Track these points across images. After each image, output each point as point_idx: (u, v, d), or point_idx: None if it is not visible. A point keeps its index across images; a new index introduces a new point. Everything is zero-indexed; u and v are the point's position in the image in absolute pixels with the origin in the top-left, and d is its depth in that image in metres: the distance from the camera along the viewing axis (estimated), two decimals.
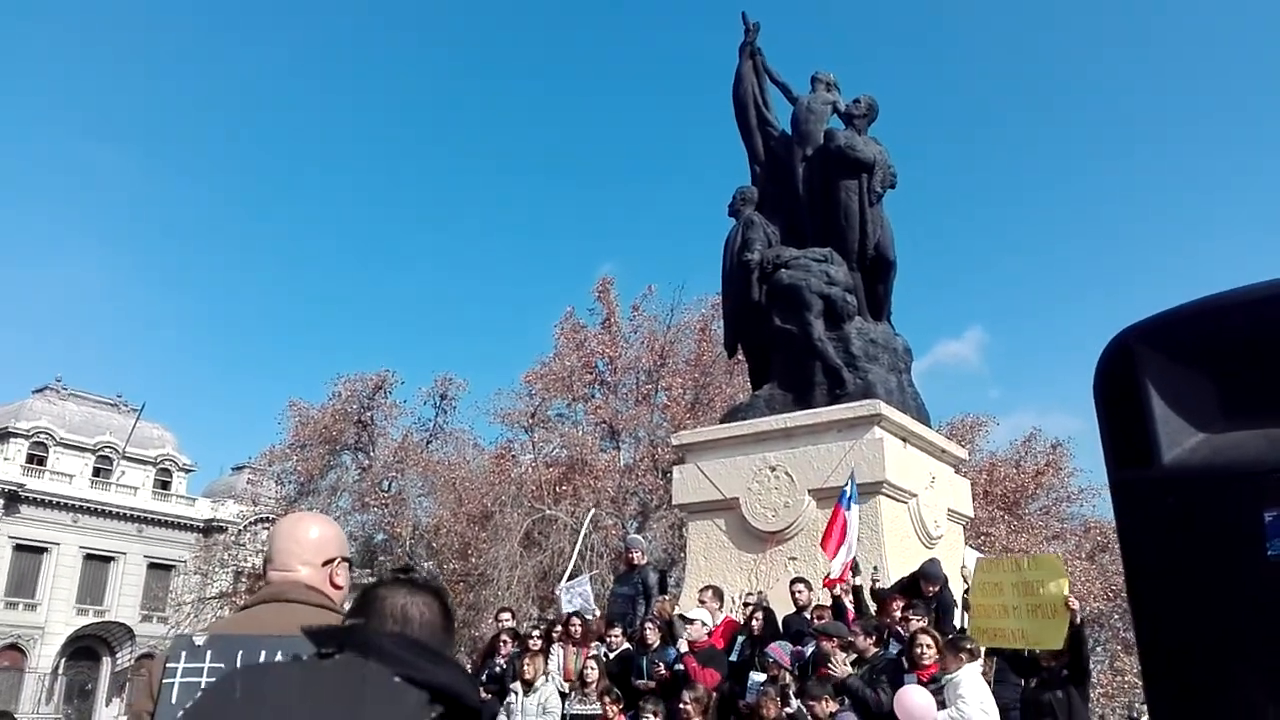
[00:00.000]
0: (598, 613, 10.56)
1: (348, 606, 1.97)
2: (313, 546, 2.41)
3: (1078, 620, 6.55)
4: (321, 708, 1.16)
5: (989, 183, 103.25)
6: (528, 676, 8.81)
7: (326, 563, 2.41)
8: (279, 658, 2.19)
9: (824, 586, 8.85)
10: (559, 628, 9.68)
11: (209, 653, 2.23)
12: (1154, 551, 1.34)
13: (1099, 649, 26.87)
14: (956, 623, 8.34)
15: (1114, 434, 1.40)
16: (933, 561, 9.07)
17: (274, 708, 1.16)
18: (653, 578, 10.43)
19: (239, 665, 2.20)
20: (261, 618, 2.30)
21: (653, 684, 8.41)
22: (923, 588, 8.54)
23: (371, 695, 1.19)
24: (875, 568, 9.31)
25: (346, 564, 2.52)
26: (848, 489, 9.28)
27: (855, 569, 8.97)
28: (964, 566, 8.76)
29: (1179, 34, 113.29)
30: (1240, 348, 1.30)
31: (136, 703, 2.29)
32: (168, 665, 2.22)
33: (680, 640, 8.54)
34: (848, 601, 8.61)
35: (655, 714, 7.75)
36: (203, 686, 2.19)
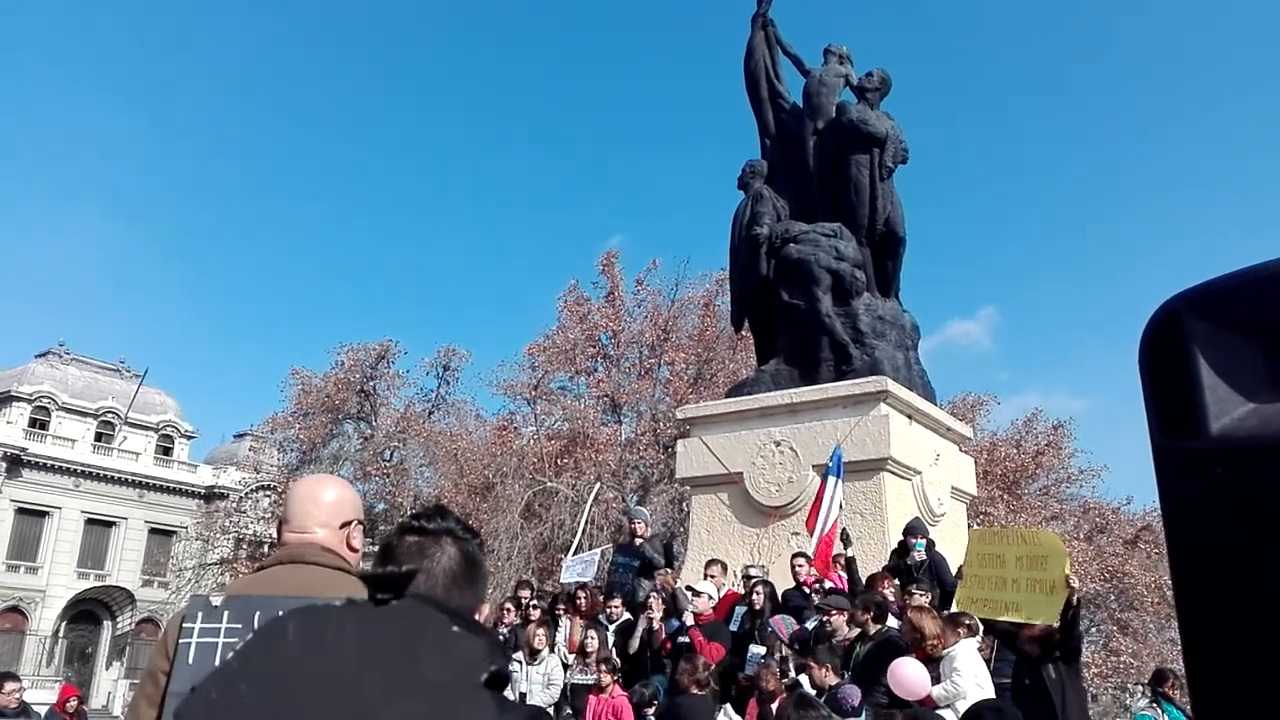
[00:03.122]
0: None
1: (363, 568, 1.95)
2: (330, 508, 2.40)
3: (1074, 600, 6.57)
4: (378, 652, 1.12)
5: (1010, 162, 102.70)
6: (536, 646, 8.85)
7: (343, 525, 2.41)
8: None
9: (821, 575, 8.89)
10: (564, 600, 9.71)
11: (226, 613, 2.22)
12: (1198, 522, 1.31)
13: (1094, 630, 27.01)
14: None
15: (1160, 403, 1.37)
16: (916, 519, 9.30)
17: (327, 652, 1.11)
18: (658, 549, 10.43)
19: (256, 624, 2.19)
20: (279, 578, 2.29)
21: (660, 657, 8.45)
22: (909, 544, 8.73)
23: (430, 641, 1.15)
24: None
25: (362, 527, 2.51)
26: (832, 461, 9.39)
27: (845, 540, 9.01)
28: None
29: (1204, 12, 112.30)
30: None
31: (152, 662, 2.26)
32: (184, 625, 2.20)
33: (685, 613, 8.57)
34: (840, 573, 8.70)
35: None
36: (220, 647, 2.18)
